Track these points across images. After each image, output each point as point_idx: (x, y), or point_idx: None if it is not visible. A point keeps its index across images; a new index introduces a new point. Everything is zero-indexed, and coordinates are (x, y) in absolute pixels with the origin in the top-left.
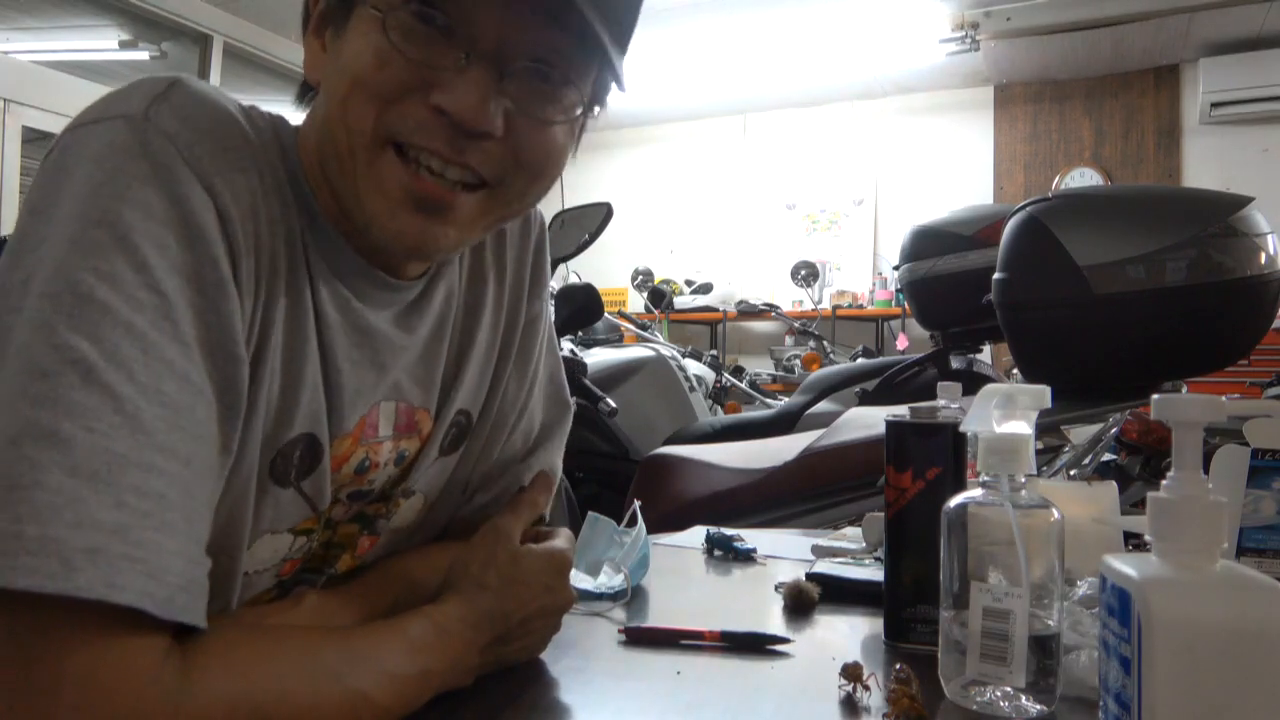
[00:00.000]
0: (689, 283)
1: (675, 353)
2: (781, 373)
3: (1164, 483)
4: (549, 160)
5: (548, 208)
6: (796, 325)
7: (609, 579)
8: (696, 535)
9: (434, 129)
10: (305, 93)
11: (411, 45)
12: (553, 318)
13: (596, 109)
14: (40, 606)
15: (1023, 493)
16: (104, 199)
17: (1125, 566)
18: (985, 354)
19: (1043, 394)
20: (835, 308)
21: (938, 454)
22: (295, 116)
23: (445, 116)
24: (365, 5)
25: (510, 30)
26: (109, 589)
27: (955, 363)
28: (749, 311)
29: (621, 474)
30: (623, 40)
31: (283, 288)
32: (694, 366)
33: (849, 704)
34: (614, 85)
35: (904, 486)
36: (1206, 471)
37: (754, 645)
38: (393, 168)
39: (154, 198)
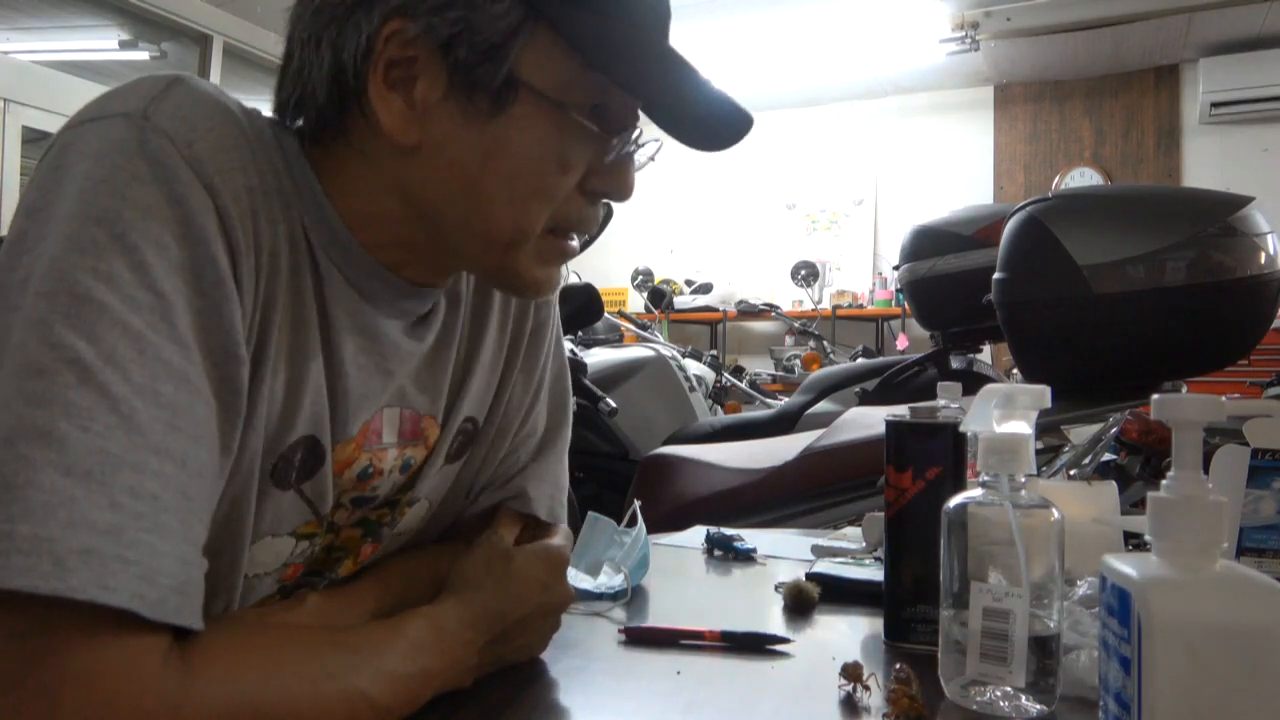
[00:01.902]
0: (689, 283)
1: (675, 353)
2: (781, 373)
3: (1164, 483)
4: None
5: None
6: (796, 325)
7: (609, 579)
8: (696, 535)
9: (591, 218)
10: (297, 108)
11: (590, 143)
12: (559, 320)
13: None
14: (38, 606)
15: (1023, 493)
16: (102, 198)
17: (1125, 566)
18: (985, 354)
19: (1043, 394)
20: (835, 308)
21: (938, 454)
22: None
23: (598, 197)
24: (539, 99)
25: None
26: (101, 590)
27: (955, 363)
28: (749, 311)
29: (621, 474)
30: None
31: (285, 288)
32: (694, 366)
33: (849, 704)
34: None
35: (904, 486)
36: (1206, 471)
37: (754, 645)
38: (554, 246)
39: (152, 197)
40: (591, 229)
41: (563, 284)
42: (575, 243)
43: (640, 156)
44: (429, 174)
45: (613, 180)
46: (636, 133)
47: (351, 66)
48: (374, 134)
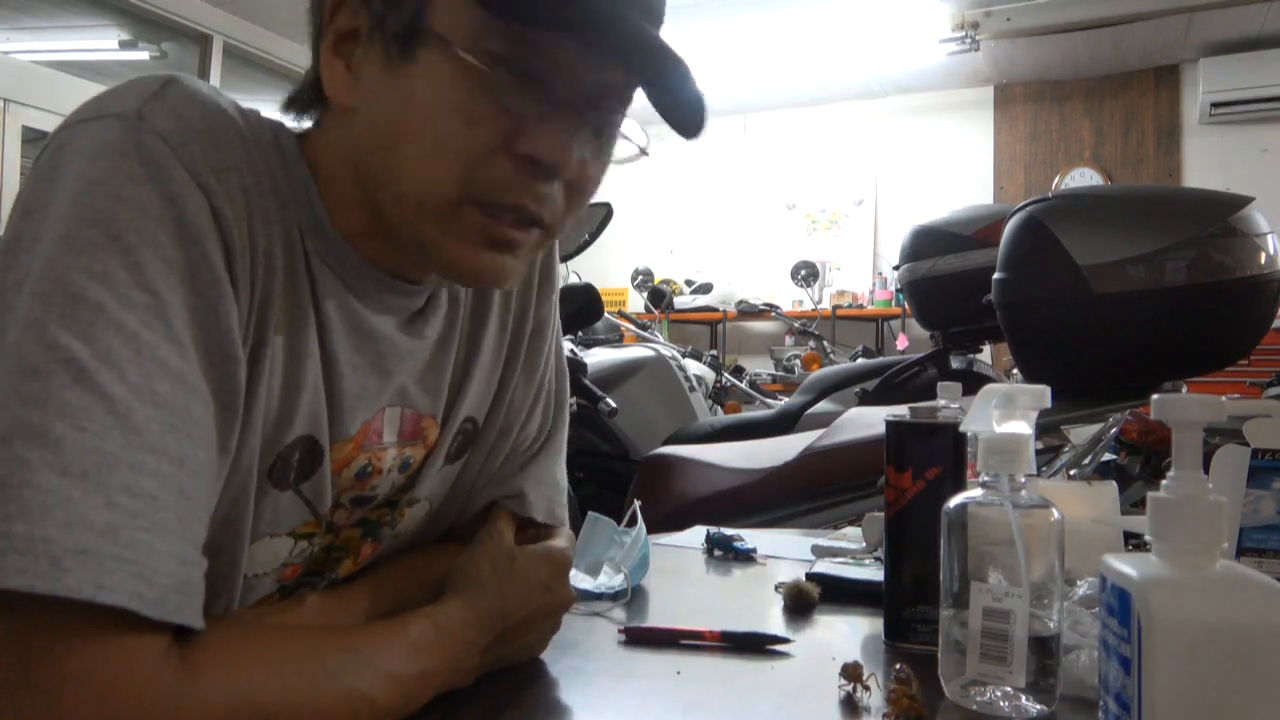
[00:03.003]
0: (689, 283)
1: (675, 353)
2: (781, 373)
3: (1164, 483)
4: (590, 198)
5: None
6: (796, 325)
7: (609, 579)
8: (696, 535)
9: (520, 187)
10: (305, 105)
11: (500, 94)
12: (559, 320)
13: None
14: (36, 606)
15: (1023, 493)
16: (97, 198)
17: (1125, 566)
18: (985, 354)
19: (1043, 394)
20: (835, 308)
21: (938, 454)
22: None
23: (529, 164)
24: (444, 46)
25: (592, 76)
26: (98, 590)
27: (955, 363)
28: (749, 311)
29: (621, 474)
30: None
31: (281, 287)
32: (694, 366)
33: (849, 704)
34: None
35: (904, 486)
36: (1206, 471)
37: (754, 645)
38: (474, 219)
39: (147, 196)
40: (519, 199)
41: (563, 284)
42: (520, 233)
43: (588, 132)
44: (361, 135)
45: (537, 142)
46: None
47: (315, 46)
48: (331, 110)
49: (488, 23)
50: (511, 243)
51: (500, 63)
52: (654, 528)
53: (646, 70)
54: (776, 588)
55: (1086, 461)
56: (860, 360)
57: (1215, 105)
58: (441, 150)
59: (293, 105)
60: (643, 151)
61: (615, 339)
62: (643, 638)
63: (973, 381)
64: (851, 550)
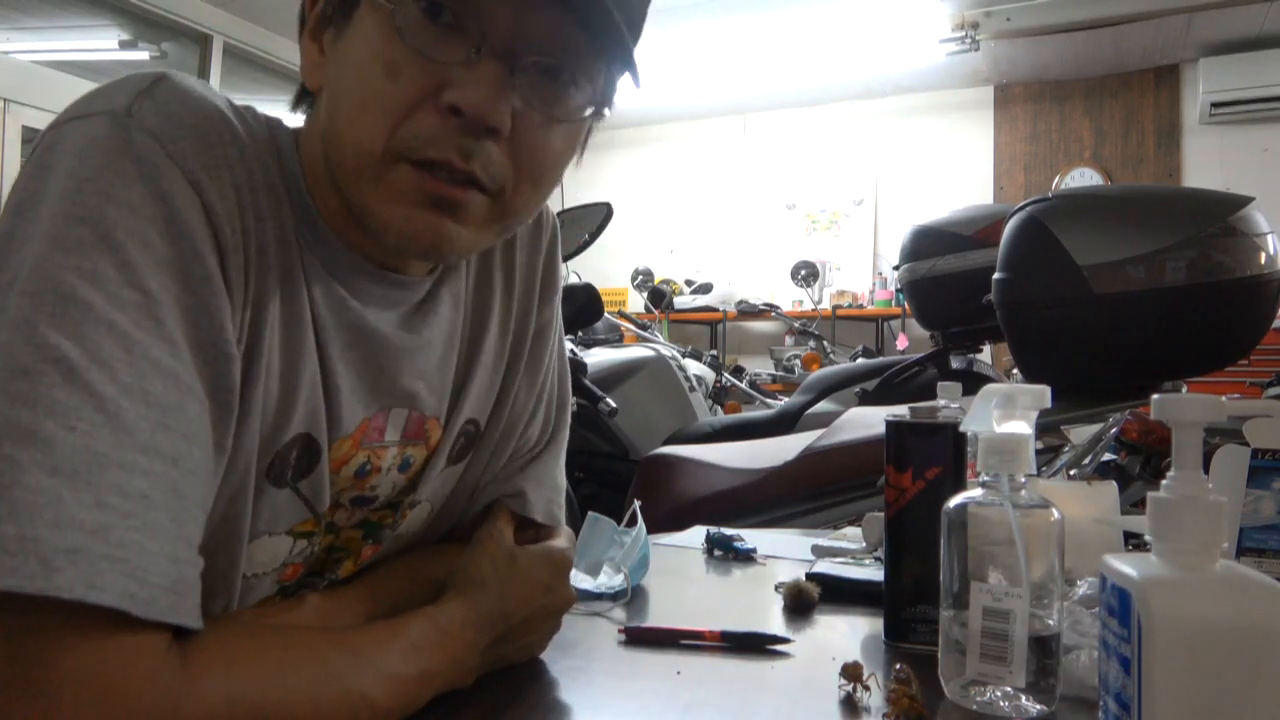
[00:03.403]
0: (689, 283)
1: (675, 353)
2: (781, 373)
3: (1164, 483)
4: (549, 167)
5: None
6: (796, 325)
7: (609, 579)
8: (696, 535)
9: (445, 137)
10: (303, 98)
11: (423, 43)
12: (561, 322)
13: (606, 111)
14: (29, 607)
15: (1023, 493)
16: (87, 196)
17: (1125, 566)
18: (985, 354)
19: (1043, 394)
20: (835, 308)
21: (938, 454)
22: (294, 119)
23: (456, 117)
24: (368, 2)
25: (522, 24)
26: (89, 590)
27: (955, 363)
28: (749, 311)
29: (621, 474)
30: (636, 35)
31: (275, 284)
32: (694, 366)
33: (849, 704)
34: (628, 80)
35: (904, 486)
36: (1206, 471)
37: (754, 645)
38: (406, 176)
39: (137, 194)
40: (444, 154)
41: (563, 284)
42: (457, 192)
43: (525, 87)
44: (321, 113)
45: (460, 90)
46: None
47: (300, 29)
48: (313, 97)
49: None
50: (450, 202)
51: (425, 12)
52: (654, 528)
53: (569, 14)
54: (776, 588)
55: (1086, 461)
56: (860, 360)
57: (1215, 105)
58: (367, 105)
59: (297, 104)
60: (598, 113)
61: (615, 339)
62: (643, 638)
63: (973, 381)
64: (851, 550)
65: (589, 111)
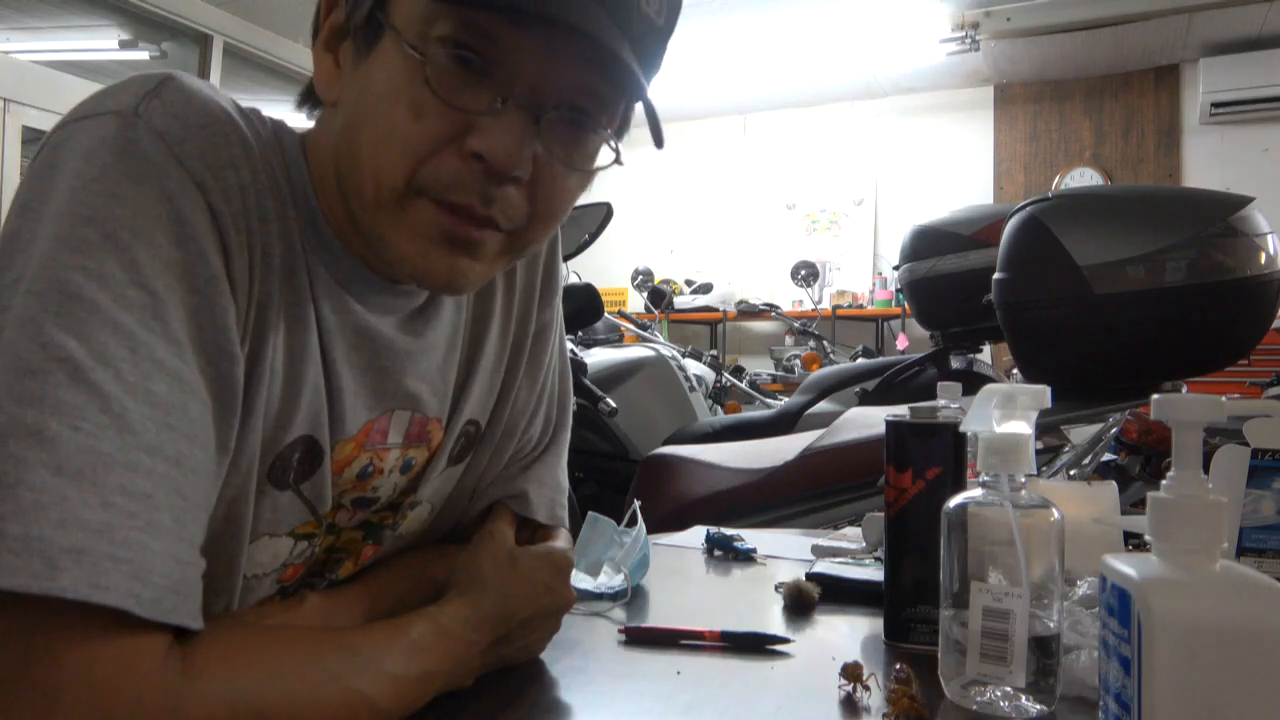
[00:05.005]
0: (689, 283)
1: (675, 353)
2: (781, 373)
3: (1164, 483)
4: (564, 206)
5: None
6: (796, 325)
7: (609, 579)
8: (696, 535)
9: (468, 183)
10: (309, 101)
11: (450, 91)
12: (562, 322)
13: (622, 161)
14: (33, 607)
15: (1023, 493)
16: (93, 196)
17: (1125, 566)
18: (985, 354)
19: (1043, 394)
20: (835, 308)
21: (938, 454)
22: (295, 118)
23: (479, 163)
24: (397, 37)
25: (547, 74)
26: (93, 589)
27: (955, 363)
28: (749, 311)
29: (621, 474)
30: (654, 73)
31: (280, 286)
32: (694, 366)
33: (849, 704)
34: (652, 138)
35: (904, 486)
36: (1206, 471)
37: (754, 645)
38: (427, 213)
39: (144, 195)
40: (466, 198)
41: (563, 284)
42: (476, 232)
43: (547, 135)
44: (338, 130)
45: (485, 139)
46: (535, 98)
47: (313, 35)
48: (324, 106)
49: (438, 9)
50: (467, 242)
51: (449, 46)
52: (654, 528)
53: (594, 64)
54: (776, 588)
55: (1086, 461)
56: (860, 360)
57: (1215, 105)
58: (391, 140)
59: (301, 104)
60: (616, 160)
61: (615, 339)
62: (643, 638)
63: (973, 381)
64: (851, 550)
65: (609, 160)
